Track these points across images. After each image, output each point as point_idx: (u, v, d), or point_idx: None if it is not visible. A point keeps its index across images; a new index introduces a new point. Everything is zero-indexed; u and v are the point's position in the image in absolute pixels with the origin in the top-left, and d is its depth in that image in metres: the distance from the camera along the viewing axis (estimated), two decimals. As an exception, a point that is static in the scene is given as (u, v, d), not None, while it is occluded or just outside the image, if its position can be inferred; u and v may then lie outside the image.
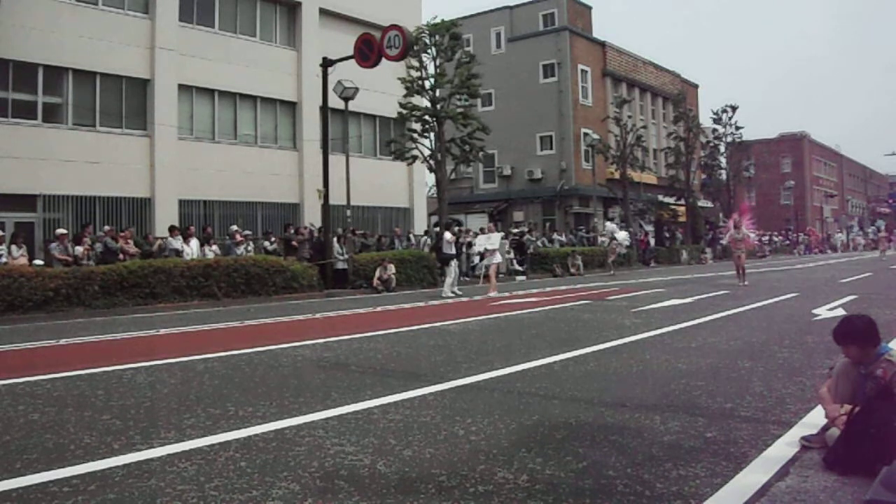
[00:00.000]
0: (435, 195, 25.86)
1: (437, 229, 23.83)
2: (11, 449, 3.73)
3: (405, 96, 22.54)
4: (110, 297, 13.09)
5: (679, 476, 3.10)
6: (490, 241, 15.85)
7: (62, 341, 8.63)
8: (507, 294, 15.02)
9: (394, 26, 16.70)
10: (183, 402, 4.83)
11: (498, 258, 15.89)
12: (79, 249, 14.57)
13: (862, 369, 3.45)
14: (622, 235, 20.77)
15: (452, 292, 15.43)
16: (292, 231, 19.46)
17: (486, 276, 16.04)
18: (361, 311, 12.11)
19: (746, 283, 15.74)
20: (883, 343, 3.49)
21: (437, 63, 23.11)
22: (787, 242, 48.20)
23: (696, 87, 48.27)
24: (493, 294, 14.77)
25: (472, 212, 36.48)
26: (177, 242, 15.85)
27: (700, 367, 5.81)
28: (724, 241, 18.04)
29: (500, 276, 22.11)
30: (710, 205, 45.74)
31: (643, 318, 9.61)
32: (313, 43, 22.66)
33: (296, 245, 18.57)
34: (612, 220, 26.51)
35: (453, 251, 16.46)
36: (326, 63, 17.97)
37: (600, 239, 27.86)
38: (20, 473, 3.27)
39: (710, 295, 13.31)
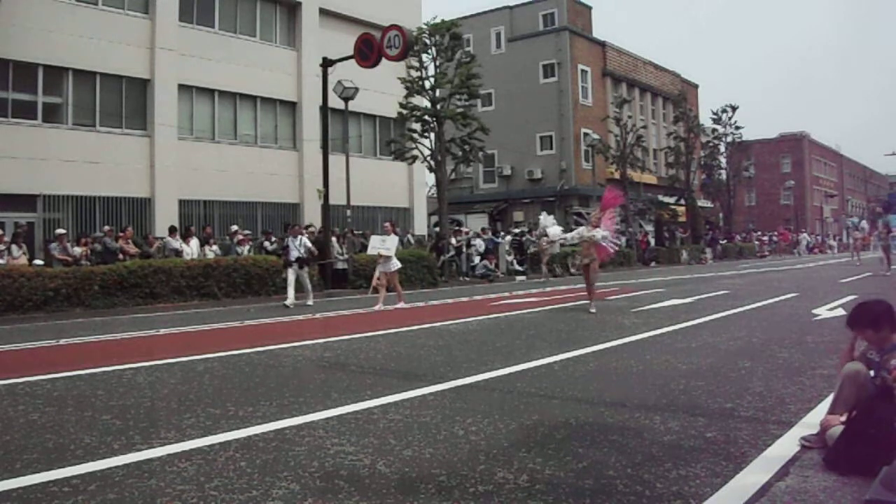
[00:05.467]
0: (435, 195, 25.85)
1: (437, 229, 23.84)
2: (11, 449, 3.73)
3: (405, 96, 22.54)
4: (110, 297, 13.10)
5: (679, 476, 3.10)
6: (385, 245, 13.34)
7: (62, 341, 8.63)
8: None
9: (394, 26, 16.71)
10: (183, 402, 4.83)
11: (395, 264, 13.17)
12: (78, 250, 14.58)
13: (876, 356, 3.45)
14: (555, 231, 13.64)
15: (286, 304, 13.21)
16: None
17: (378, 287, 13.04)
18: (361, 311, 12.11)
19: (593, 310, 10.66)
20: None
21: (438, 63, 23.11)
22: (787, 243, 48.16)
23: (696, 87, 48.25)
24: (400, 305, 12.60)
25: (472, 212, 36.49)
26: (176, 242, 15.85)
27: (700, 367, 5.81)
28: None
29: (500, 276, 22.13)
30: (710, 205, 45.72)
31: (643, 318, 9.61)
32: (313, 43, 22.65)
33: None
34: (547, 212, 16.94)
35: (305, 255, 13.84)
36: (326, 63, 17.97)
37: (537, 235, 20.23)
38: (20, 473, 3.27)
39: (711, 295, 13.31)
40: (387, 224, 14.86)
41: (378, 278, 13.05)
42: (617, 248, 12.35)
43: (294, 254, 13.55)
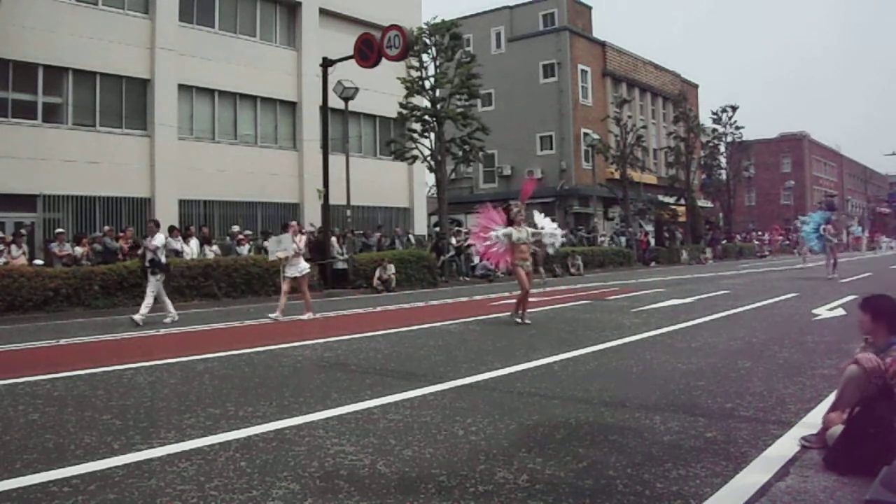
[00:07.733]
0: (435, 195, 25.84)
1: (437, 229, 23.83)
2: (11, 449, 3.73)
3: (405, 96, 22.53)
4: (110, 297, 13.10)
5: (679, 476, 3.10)
6: (281, 246, 10.93)
7: (62, 341, 8.63)
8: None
9: (394, 26, 16.71)
10: (183, 402, 4.83)
11: (302, 267, 11.02)
12: (78, 250, 14.57)
13: (874, 353, 3.47)
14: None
15: (140, 319, 10.48)
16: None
17: (295, 291, 11.25)
18: (361, 311, 12.11)
19: (528, 321, 9.40)
20: None
21: (438, 63, 23.11)
22: (787, 242, 48.14)
23: (696, 87, 48.24)
24: (306, 316, 10.77)
25: (473, 212, 36.40)
26: (177, 243, 15.84)
27: (700, 367, 5.81)
28: (476, 247, 11.06)
29: (500, 276, 22.08)
30: (710, 205, 45.71)
31: (643, 318, 9.61)
32: (313, 43, 22.65)
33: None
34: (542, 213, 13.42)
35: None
36: (326, 63, 17.97)
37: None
38: (20, 473, 3.28)
39: (711, 295, 13.30)
40: (293, 223, 11.90)
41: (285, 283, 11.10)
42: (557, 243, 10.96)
43: (148, 255, 10.97)
